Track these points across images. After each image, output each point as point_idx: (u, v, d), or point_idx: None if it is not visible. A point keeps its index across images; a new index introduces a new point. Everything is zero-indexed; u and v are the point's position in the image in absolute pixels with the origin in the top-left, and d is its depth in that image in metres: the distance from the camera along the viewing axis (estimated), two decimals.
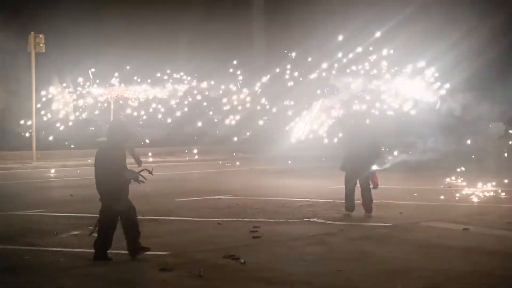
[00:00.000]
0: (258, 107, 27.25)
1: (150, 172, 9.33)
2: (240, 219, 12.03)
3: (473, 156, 20.55)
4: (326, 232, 10.86)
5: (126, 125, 9.55)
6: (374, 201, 12.82)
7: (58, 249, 9.54)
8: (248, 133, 30.78)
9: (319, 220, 11.93)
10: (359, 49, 21.79)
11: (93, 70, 25.27)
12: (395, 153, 19.48)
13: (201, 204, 13.95)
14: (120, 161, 8.98)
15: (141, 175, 9.11)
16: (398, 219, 12.06)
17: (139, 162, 10.51)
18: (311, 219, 12.01)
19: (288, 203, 14.08)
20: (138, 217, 11.74)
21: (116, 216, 9.05)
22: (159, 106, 29.26)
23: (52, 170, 21.67)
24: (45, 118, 27.13)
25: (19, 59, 28.99)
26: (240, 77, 29.89)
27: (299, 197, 14.90)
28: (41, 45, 23.86)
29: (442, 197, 14.81)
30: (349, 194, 12.64)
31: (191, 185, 16.91)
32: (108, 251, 8.99)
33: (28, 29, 24.80)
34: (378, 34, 20.98)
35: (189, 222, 11.80)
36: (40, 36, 23.89)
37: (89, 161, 24.17)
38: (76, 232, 10.78)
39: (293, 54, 23.51)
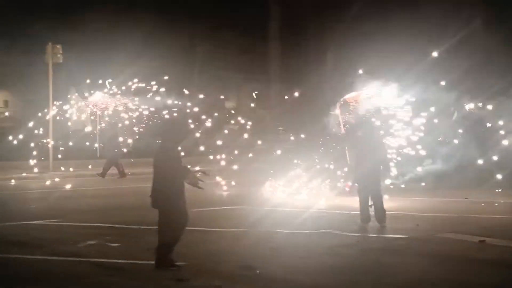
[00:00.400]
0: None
1: (207, 174, 9.10)
2: (257, 230, 12.03)
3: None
4: (342, 243, 10.83)
5: (180, 124, 9.07)
6: (391, 212, 12.77)
7: (75, 258, 9.58)
8: (261, 144, 30.73)
9: (335, 231, 11.89)
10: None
11: (110, 80, 25.39)
12: (422, 165, 19.17)
13: (218, 214, 13.98)
14: (176, 163, 8.65)
15: (199, 179, 8.80)
16: (414, 230, 12.00)
17: None
18: (327, 230, 11.98)
19: (304, 214, 14.05)
20: (154, 227, 11.78)
21: (168, 225, 8.76)
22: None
23: (69, 180, 21.78)
24: (62, 128, 27.27)
25: (37, 69, 29.21)
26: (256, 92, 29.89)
27: (316, 208, 14.88)
28: (59, 55, 24.06)
29: (459, 208, 14.73)
30: (364, 205, 12.61)
31: (208, 195, 16.90)
32: (125, 261, 9.03)
33: (46, 39, 25.01)
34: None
35: (206, 233, 11.81)
36: (58, 46, 24.08)
37: (108, 171, 24.29)
38: (93, 242, 10.81)
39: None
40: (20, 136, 22.69)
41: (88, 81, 25.03)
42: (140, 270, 8.91)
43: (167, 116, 22.17)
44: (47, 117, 24.20)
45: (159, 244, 8.83)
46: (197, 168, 9.10)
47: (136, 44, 34.06)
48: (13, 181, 20.87)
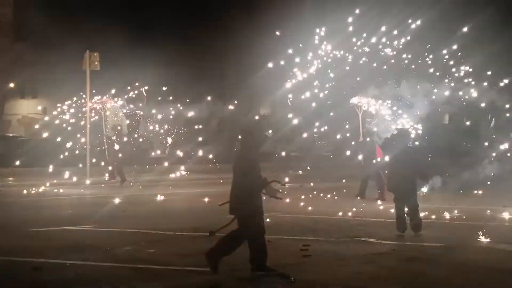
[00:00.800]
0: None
1: (283, 184, 9.04)
2: (290, 237, 12.00)
3: None
4: (377, 252, 10.74)
5: (258, 130, 9.02)
6: (427, 220, 12.62)
7: (111, 264, 9.67)
8: (294, 151, 30.65)
9: (370, 240, 11.80)
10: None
11: (146, 87, 25.64)
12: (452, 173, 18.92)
13: None
14: (254, 171, 8.62)
15: (277, 190, 8.72)
16: (451, 239, 11.85)
17: None
18: (362, 239, 11.89)
19: (339, 222, 13.99)
20: (190, 233, 11.85)
21: (246, 233, 8.84)
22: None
23: (105, 186, 22.00)
24: (99, 135, 27.56)
25: (74, 76, 29.58)
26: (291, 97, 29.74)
27: (350, 216, 14.80)
28: (96, 63, 24.34)
29: (497, 216, 14.51)
30: (400, 214, 12.48)
31: None
32: (160, 266, 9.06)
33: (83, 47, 25.33)
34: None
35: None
36: (95, 54, 24.38)
37: (144, 178, 24.51)
38: (128, 248, 10.89)
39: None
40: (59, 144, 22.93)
41: (126, 96, 25.19)
42: (175, 275, 8.95)
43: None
44: (86, 124, 24.41)
45: (218, 247, 8.87)
46: (273, 179, 8.99)
47: (168, 53, 34.34)
48: (50, 187, 21.10)
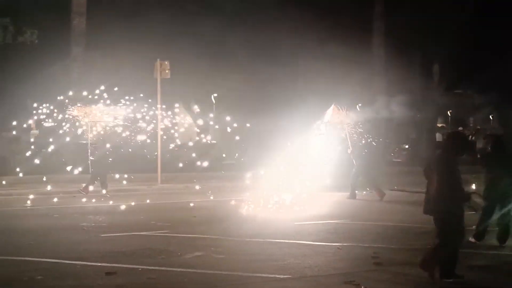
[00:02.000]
0: None
1: (481, 196, 9.11)
2: (360, 244, 11.94)
3: None
4: None
5: (465, 137, 9.23)
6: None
7: (182, 269, 9.82)
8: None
9: None
10: None
11: (215, 95, 25.87)
12: None
13: (320, 228, 13.95)
14: (455, 177, 8.72)
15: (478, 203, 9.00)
16: None
17: None
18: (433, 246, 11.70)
19: (408, 229, 13.83)
20: (258, 239, 11.91)
21: (451, 233, 8.86)
22: None
23: (176, 192, 22.27)
24: (170, 141, 27.96)
25: (144, 84, 30.13)
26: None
27: (419, 223, 14.56)
28: (167, 71, 24.76)
29: None
30: (484, 223, 11.93)
31: (308, 209, 16.89)
32: (231, 272, 9.15)
33: (153, 56, 25.80)
34: None
35: (308, 246, 11.83)
36: (166, 62, 24.80)
37: (213, 184, 24.68)
38: (199, 253, 11.03)
39: None
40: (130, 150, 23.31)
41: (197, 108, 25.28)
42: (247, 282, 9.03)
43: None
44: (157, 131, 24.81)
45: (440, 260, 8.96)
46: (474, 191, 9.12)
47: (238, 60, 34.49)
48: (121, 193, 21.46)
